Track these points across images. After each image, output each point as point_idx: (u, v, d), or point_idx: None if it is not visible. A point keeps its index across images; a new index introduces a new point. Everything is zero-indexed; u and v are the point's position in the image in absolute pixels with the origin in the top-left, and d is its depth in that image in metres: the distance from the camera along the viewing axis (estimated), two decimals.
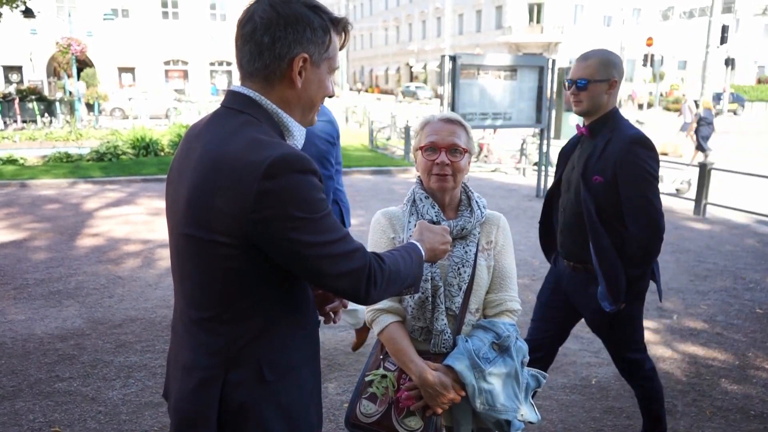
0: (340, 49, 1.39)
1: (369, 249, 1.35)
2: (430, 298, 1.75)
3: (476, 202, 1.86)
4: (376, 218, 1.87)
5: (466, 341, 1.74)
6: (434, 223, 1.74)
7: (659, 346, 4.21)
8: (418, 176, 1.88)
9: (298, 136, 1.36)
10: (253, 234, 1.20)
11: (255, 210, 1.18)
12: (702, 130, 12.85)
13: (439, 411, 1.71)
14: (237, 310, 1.29)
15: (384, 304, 1.78)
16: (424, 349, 1.78)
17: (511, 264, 1.87)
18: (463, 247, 1.79)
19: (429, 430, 1.73)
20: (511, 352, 1.74)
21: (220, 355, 1.29)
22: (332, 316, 1.66)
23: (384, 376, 1.79)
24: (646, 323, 4.60)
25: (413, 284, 1.45)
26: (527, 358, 1.82)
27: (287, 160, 1.19)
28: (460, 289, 1.76)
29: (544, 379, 1.88)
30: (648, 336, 4.38)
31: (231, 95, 1.33)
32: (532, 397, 1.86)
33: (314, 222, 1.22)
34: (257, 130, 1.26)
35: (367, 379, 1.82)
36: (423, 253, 1.48)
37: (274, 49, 1.27)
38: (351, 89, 57.55)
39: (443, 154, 1.77)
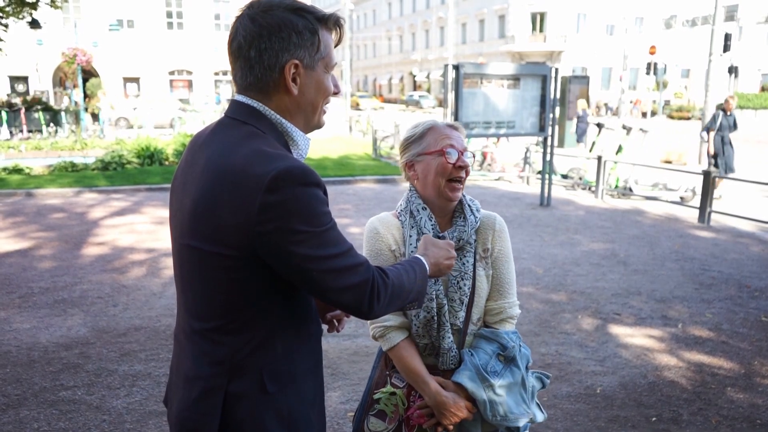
0: (337, 44, 1.36)
1: (365, 257, 1.35)
2: (435, 317, 1.72)
3: (469, 206, 1.80)
4: (372, 226, 1.79)
5: (472, 355, 1.72)
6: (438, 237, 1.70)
7: (664, 355, 4.19)
8: (412, 186, 1.84)
9: (302, 145, 1.35)
10: (257, 246, 1.20)
11: (259, 223, 1.17)
12: (579, 126, 17.20)
13: (451, 427, 1.72)
14: (239, 321, 1.28)
15: (392, 319, 1.74)
16: (431, 363, 1.76)
17: (510, 270, 1.83)
18: (461, 259, 1.75)
19: None
20: (517, 362, 1.74)
21: (223, 365, 1.29)
22: (335, 324, 1.66)
23: (393, 394, 1.77)
24: (651, 331, 4.59)
25: (417, 299, 1.43)
26: (531, 362, 1.82)
27: (291, 173, 1.19)
28: (462, 303, 1.73)
29: (547, 379, 1.87)
30: (653, 344, 4.37)
31: (234, 105, 1.33)
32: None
33: (318, 235, 1.21)
34: (262, 141, 1.25)
35: (375, 396, 1.80)
36: (428, 268, 1.46)
37: (263, 61, 1.26)
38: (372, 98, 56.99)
39: (462, 156, 1.73)
